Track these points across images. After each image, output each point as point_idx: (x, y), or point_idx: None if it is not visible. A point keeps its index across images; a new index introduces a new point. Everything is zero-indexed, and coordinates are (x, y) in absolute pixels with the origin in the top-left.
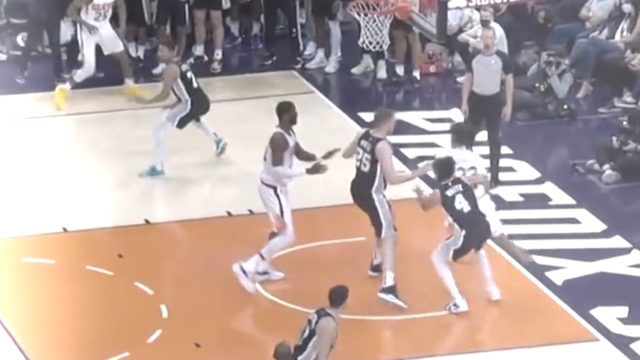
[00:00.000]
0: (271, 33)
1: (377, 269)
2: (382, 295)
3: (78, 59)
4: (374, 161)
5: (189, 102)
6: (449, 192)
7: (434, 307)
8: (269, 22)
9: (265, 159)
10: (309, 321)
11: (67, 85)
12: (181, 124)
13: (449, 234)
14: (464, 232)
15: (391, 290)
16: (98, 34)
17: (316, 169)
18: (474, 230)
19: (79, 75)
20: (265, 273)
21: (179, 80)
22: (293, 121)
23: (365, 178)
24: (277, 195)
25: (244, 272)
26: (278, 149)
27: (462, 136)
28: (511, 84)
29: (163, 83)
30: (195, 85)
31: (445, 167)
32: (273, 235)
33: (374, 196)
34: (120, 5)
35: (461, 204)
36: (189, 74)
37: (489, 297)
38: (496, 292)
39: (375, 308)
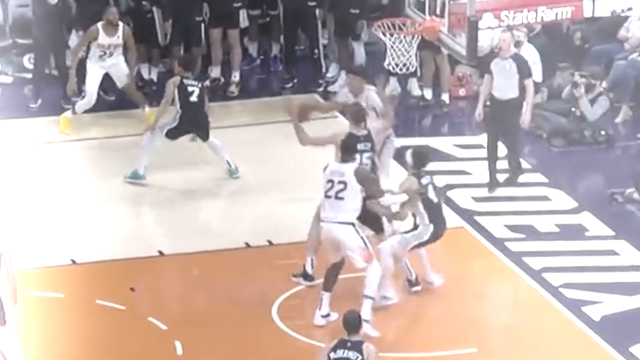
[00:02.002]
0: (291, 54)
1: (416, 282)
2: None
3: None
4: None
5: (178, 115)
6: (424, 181)
7: (463, 344)
8: (289, 43)
9: (338, 197)
10: None
11: (69, 114)
12: (170, 135)
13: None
14: (432, 226)
15: None
16: (105, 66)
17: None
18: (439, 224)
19: (80, 106)
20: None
21: (175, 90)
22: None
23: None
24: (357, 231)
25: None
26: (374, 182)
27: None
28: (531, 89)
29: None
30: (192, 99)
31: (421, 156)
32: (335, 266)
33: None
34: (130, 47)
35: (431, 193)
36: (190, 88)
37: (431, 286)
38: (437, 279)
39: (400, 345)
